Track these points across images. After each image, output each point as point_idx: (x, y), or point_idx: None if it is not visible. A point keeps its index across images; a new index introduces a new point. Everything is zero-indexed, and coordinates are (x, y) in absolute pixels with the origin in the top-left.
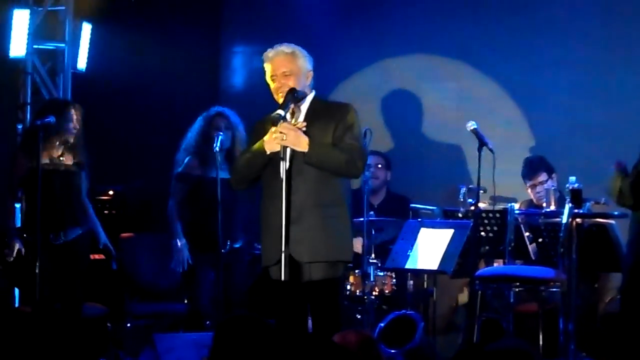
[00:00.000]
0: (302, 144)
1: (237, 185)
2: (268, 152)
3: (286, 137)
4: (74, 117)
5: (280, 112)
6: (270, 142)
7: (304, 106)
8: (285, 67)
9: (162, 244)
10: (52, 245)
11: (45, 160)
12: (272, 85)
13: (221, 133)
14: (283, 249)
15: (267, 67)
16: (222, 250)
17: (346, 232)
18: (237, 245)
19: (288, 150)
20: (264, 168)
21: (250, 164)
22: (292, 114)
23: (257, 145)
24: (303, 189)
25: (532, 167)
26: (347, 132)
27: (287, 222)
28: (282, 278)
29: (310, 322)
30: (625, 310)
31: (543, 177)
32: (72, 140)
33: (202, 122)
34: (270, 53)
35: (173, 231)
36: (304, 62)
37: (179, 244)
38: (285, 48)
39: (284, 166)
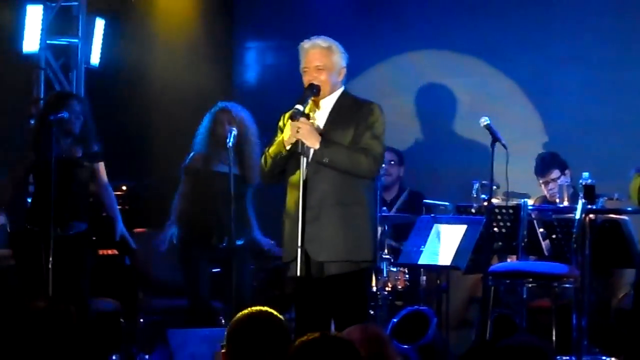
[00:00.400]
0: (313, 141)
1: (265, 179)
2: (286, 147)
3: (300, 131)
4: (76, 109)
5: (299, 106)
6: (287, 135)
7: (330, 101)
8: (319, 61)
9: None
10: (58, 238)
11: (54, 152)
12: (304, 78)
13: (234, 128)
14: (299, 245)
15: (301, 58)
16: (221, 246)
17: (365, 232)
18: (239, 243)
19: (306, 146)
20: (287, 162)
21: (274, 156)
22: (311, 109)
23: (279, 139)
24: (322, 186)
25: (544, 164)
26: (367, 131)
27: (303, 219)
28: (297, 274)
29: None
30: (638, 306)
31: (555, 174)
32: (75, 130)
33: (207, 118)
34: (306, 45)
35: (171, 215)
36: (338, 58)
37: (168, 225)
38: (322, 42)
39: (303, 162)
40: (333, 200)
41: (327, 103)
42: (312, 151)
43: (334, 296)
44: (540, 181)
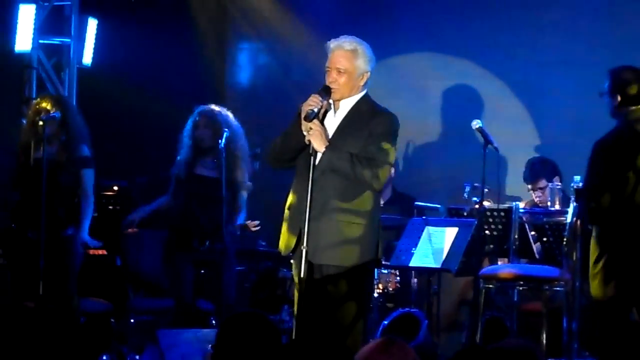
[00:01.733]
0: (320, 144)
1: (273, 162)
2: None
3: (311, 132)
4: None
5: (314, 108)
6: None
7: (348, 105)
8: (342, 64)
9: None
10: (42, 241)
11: (37, 155)
12: (326, 77)
13: (226, 130)
14: (304, 245)
15: (328, 57)
16: (201, 249)
17: (365, 237)
18: (218, 246)
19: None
20: (298, 154)
21: (287, 139)
22: (325, 111)
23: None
24: (327, 189)
25: (533, 172)
26: (375, 141)
27: (308, 219)
28: (302, 275)
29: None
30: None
31: (542, 183)
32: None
33: (188, 122)
34: (332, 44)
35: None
36: (362, 63)
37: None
38: (348, 44)
39: (312, 162)
40: (335, 204)
41: (345, 106)
42: (319, 154)
43: (332, 295)
44: (529, 187)
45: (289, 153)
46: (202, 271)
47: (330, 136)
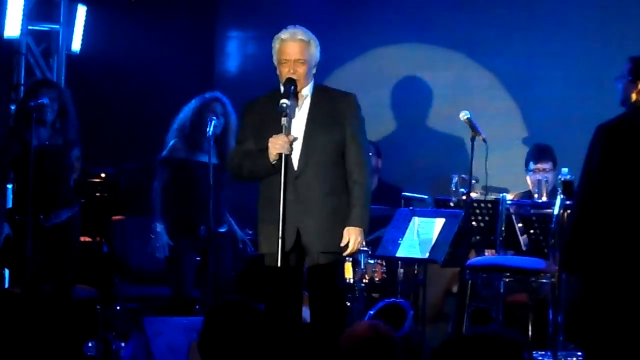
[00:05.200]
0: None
1: (237, 178)
2: (272, 161)
3: (277, 146)
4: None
5: (286, 101)
6: (273, 151)
7: (306, 94)
8: (301, 55)
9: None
10: (43, 226)
11: (34, 141)
12: (281, 69)
13: (214, 118)
14: (279, 236)
15: (279, 50)
16: (201, 235)
17: (344, 220)
18: (222, 230)
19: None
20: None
21: (255, 174)
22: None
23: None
24: (312, 179)
25: (542, 151)
26: (353, 139)
27: (283, 212)
28: (278, 264)
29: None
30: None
31: (548, 165)
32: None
33: (197, 105)
34: (284, 35)
35: (155, 214)
36: (315, 52)
37: (158, 228)
38: (302, 35)
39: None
40: (323, 192)
41: (305, 95)
42: (300, 146)
43: (317, 285)
44: (531, 168)
45: (260, 177)
46: (198, 259)
47: (303, 128)
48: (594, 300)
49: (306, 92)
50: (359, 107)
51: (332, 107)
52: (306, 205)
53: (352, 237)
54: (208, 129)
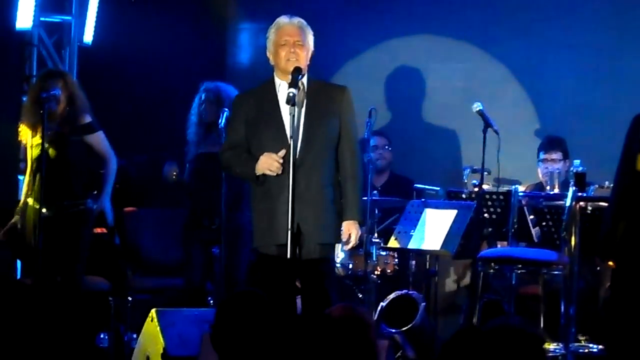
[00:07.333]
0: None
1: (225, 172)
2: (258, 173)
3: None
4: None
5: (294, 90)
6: (262, 167)
7: (304, 86)
8: (299, 37)
9: (165, 218)
10: (54, 217)
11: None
12: (279, 53)
13: (226, 109)
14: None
15: (276, 33)
16: (213, 227)
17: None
18: (231, 224)
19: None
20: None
21: (242, 176)
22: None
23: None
24: (309, 172)
25: (551, 142)
26: (348, 133)
27: (292, 205)
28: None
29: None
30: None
31: (557, 155)
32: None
33: (194, 101)
34: (282, 21)
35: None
36: (311, 40)
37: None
38: (298, 21)
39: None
40: (322, 184)
41: (303, 89)
42: (299, 142)
43: (311, 277)
44: (540, 158)
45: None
46: (213, 251)
47: (301, 120)
48: (624, 291)
49: (303, 82)
50: (352, 100)
51: (328, 100)
52: (305, 196)
53: (352, 232)
54: (220, 121)
